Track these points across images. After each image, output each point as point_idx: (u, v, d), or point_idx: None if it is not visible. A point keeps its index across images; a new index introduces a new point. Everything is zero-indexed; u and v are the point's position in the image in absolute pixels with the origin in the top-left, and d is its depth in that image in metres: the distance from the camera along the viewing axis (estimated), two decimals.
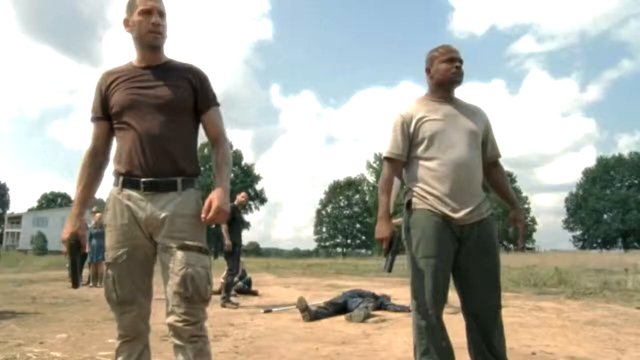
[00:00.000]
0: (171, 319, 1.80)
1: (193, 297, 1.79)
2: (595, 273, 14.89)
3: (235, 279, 8.42)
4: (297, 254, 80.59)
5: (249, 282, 9.34)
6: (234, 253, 7.28)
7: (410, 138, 2.32)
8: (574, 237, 69.81)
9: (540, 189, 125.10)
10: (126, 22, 1.95)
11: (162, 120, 1.88)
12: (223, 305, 7.02)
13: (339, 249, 67.45)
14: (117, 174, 1.90)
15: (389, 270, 2.26)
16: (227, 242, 7.13)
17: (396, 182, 2.34)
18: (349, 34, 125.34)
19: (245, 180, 58.55)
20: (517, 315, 5.90)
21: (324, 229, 68.15)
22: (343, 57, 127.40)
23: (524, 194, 70.02)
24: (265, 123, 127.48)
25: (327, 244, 68.48)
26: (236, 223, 7.43)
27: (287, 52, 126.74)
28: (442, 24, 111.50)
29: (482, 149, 2.39)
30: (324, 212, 68.17)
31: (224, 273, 7.73)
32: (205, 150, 58.64)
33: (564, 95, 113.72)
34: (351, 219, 67.59)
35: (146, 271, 1.92)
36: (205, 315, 1.86)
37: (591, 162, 71.65)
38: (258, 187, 60.67)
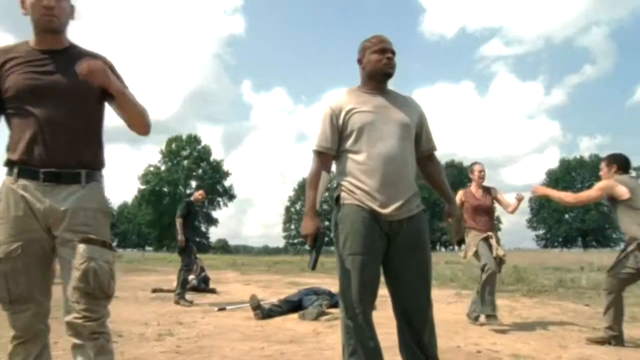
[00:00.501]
0: (70, 316, 1.67)
1: (95, 292, 1.66)
2: (553, 271, 15.28)
3: (191, 276, 8.23)
4: (266, 251, 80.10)
5: (205, 280, 9.14)
6: (188, 248, 7.11)
7: (339, 131, 2.23)
8: (537, 236, 71.82)
9: (506, 189, 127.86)
10: (22, 3, 1.81)
11: (66, 108, 1.75)
12: (177, 302, 6.85)
13: (307, 247, 66.79)
14: (12, 163, 1.75)
15: (313, 268, 2.17)
16: (181, 237, 6.97)
17: (325, 176, 2.25)
18: (321, 32, 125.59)
19: (213, 176, 57.69)
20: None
21: (292, 227, 67.83)
22: (315, 54, 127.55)
23: None
24: (236, 119, 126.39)
25: (296, 241, 68.21)
26: (191, 218, 7.29)
27: (259, 48, 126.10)
28: (413, 25, 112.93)
29: (417, 142, 2.33)
30: (292, 210, 67.83)
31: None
32: (173, 145, 57.68)
33: (530, 98, 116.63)
34: (320, 217, 66.77)
35: (44, 267, 1.78)
36: (108, 312, 1.75)
37: (554, 164, 73.65)
38: (227, 183, 59.70)
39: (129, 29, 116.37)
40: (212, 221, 59.59)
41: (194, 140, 58.99)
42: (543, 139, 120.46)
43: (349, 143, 2.21)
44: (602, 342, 4.09)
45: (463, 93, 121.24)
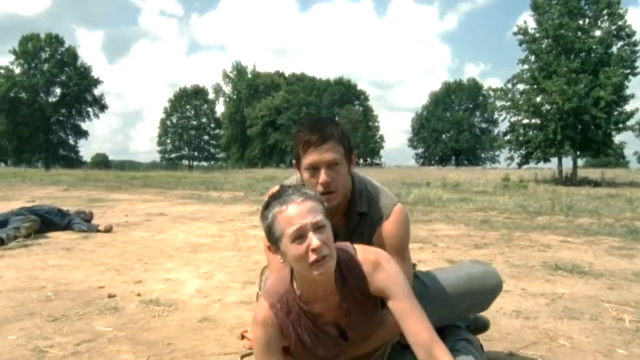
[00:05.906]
0: None
1: None
2: (405, 187, 15.31)
3: None
4: (154, 166, 75.96)
5: None
6: None
7: None
8: (416, 154, 75.81)
9: (394, 109, 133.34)
10: None
11: None
12: None
13: (185, 162, 64.82)
14: None
15: None
16: None
17: None
18: None
19: (80, 83, 51.40)
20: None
21: (168, 140, 64.91)
22: None
23: (375, 112, 73.49)
24: (121, 23, 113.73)
25: (173, 156, 65.27)
26: None
27: None
28: None
29: None
30: (168, 122, 64.41)
31: None
32: (29, 45, 49.99)
33: (424, 22, 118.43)
34: (199, 130, 64.83)
35: None
36: None
37: (439, 87, 76.37)
38: (97, 91, 53.45)
39: None
40: (82, 133, 53.90)
41: (55, 40, 51.48)
42: (433, 62, 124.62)
43: None
44: None
45: (362, 12, 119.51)
